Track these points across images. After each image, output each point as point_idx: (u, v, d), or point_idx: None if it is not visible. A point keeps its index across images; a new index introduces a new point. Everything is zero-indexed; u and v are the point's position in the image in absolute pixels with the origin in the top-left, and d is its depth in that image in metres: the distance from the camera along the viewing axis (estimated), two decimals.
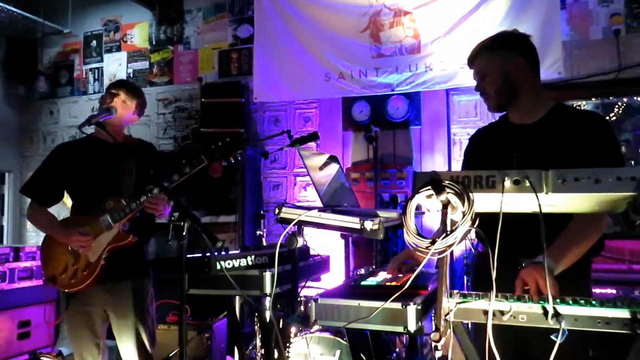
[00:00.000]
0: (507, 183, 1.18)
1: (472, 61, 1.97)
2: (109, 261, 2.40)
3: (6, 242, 5.82)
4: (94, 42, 5.93)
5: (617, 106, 4.53)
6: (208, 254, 2.05)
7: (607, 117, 4.50)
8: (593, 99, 4.37)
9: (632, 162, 4.46)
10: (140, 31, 5.69)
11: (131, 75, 5.68)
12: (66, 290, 2.44)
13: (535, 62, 1.92)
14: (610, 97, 4.31)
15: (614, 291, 3.01)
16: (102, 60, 5.88)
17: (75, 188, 2.56)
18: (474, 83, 2.01)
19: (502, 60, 1.87)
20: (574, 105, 4.44)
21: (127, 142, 2.64)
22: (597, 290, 3.03)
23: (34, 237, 5.95)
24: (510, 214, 1.20)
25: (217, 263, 1.99)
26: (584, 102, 4.50)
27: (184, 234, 1.87)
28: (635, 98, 4.41)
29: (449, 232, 1.17)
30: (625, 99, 4.42)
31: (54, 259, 2.46)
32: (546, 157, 1.75)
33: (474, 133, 2.16)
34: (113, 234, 2.39)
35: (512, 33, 1.97)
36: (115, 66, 5.78)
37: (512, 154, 1.83)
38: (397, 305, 1.51)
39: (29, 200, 2.61)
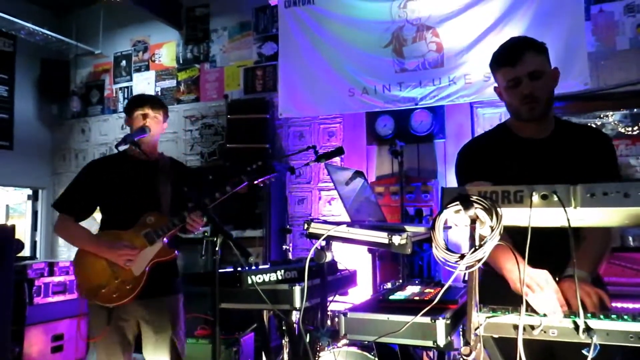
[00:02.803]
0: (535, 198, 1.19)
1: (521, 56, 1.73)
2: (149, 276, 2.44)
3: (39, 257, 5.98)
4: (124, 62, 6.12)
5: None
6: (239, 269, 2.10)
7: (637, 127, 4.43)
8: (621, 110, 4.32)
9: None
10: (168, 51, 5.85)
11: (159, 93, 5.82)
12: (109, 305, 2.41)
13: None
14: (639, 108, 4.25)
15: None
16: (131, 80, 6.05)
17: (111, 203, 2.57)
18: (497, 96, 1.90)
19: (549, 64, 1.79)
20: (601, 116, 4.40)
21: (161, 160, 2.71)
22: (629, 305, 2.97)
23: (66, 251, 6.10)
24: (523, 231, 1.21)
25: (249, 277, 2.02)
26: (611, 113, 4.44)
27: (217, 249, 1.92)
28: None
29: (477, 247, 1.19)
30: None
31: (92, 274, 2.44)
32: (563, 173, 1.70)
33: (468, 146, 1.97)
34: (157, 248, 2.45)
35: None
36: (144, 85, 5.94)
37: (527, 170, 1.76)
38: (427, 320, 1.53)
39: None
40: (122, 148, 2.50)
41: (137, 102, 2.67)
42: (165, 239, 2.47)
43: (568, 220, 1.15)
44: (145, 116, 2.60)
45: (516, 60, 1.74)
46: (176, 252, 2.56)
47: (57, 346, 4.31)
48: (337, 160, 4.49)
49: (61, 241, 6.15)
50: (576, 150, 1.76)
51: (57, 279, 4.38)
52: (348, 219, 1.99)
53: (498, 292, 1.50)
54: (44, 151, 6.32)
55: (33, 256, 5.97)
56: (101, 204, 2.61)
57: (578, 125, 1.94)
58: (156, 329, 2.50)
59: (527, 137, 1.83)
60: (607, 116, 4.45)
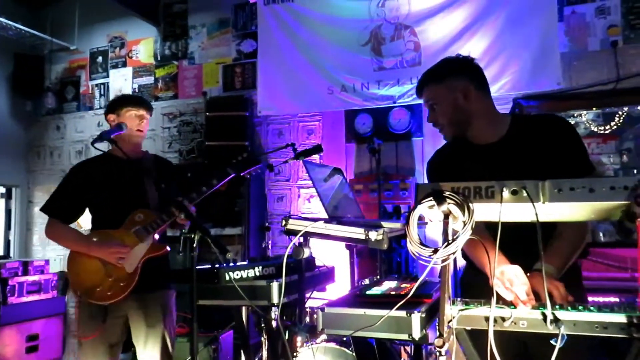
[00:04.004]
0: (506, 193, 1.22)
1: (420, 92, 1.95)
2: (141, 272, 2.48)
3: (13, 256, 5.87)
4: (100, 58, 6.03)
5: (617, 115, 4.58)
6: (217, 265, 2.10)
7: (608, 126, 4.56)
8: (594, 109, 4.42)
9: (635, 171, 4.50)
10: (145, 47, 5.79)
11: (136, 90, 5.76)
12: (104, 303, 2.45)
13: (484, 83, 1.89)
14: (610, 107, 4.36)
15: (616, 299, 3.03)
16: (107, 76, 5.97)
17: (98, 203, 2.61)
18: None
19: (449, 90, 1.85)
20: (575, 115, 4.50)
21: (144, 157, 2.74)
22: (599, 299, 3.07)
23: (40, 251, 6.00)
24: (510, 226, 1.24)
25: (226, 274, 2.03)
26: (584, 112, 4.55)
27: (194, 245, 1.92)
28: (638, 107, 4.46)
29: (450, 241, 1.22)
30: (625, 108, 4.47)
31: (86, 273, 2.48)
32: (522, 170, 1.71)
33: (434, 157, 2.07)
34: (148, 245, 2.49)
35: (456, 59, 1.95)
36: (121, 81, 5.87)
37: (487, 174, 1.80)
38: (402, 314, 1.56)
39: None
40: (98, 145, 2.48)
41: (134, 101, 2.71)
42: (156, 235, 2.50)
43: (536, 214, 1.19)
44: (141, 118, 2.67)
45: (419, 95, 1.98)
46: (167, 247, 2.59)
47: (32, 346, 4.24)
48: (316, 157, 4.51)
49: (36, 240, 6.05)
50: (535, 144, 1.78)
51: (31, 278, 4.32)
52: (326, 216, 2.01)
53: (480, 287, 1.54)
54: (17, 148, 6.19)
55: (7, 255, 5.86)
56: (90, 204, 2.65)
57: (536, 118, 1.99)
58: (147, 322, 2.54)
59: (479, 143, 1.90)
60: (580, 115, 4.57)
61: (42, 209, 2.66)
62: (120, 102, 2.71)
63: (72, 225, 2.68)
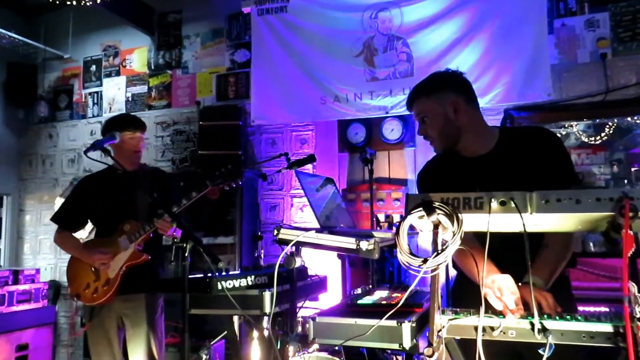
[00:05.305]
0: (494, 204, 1.24)
1: (410, 106, 1.99)
2: (126, 276, 2.73)
3: (3, 265, 5.82)
4: (94, 67, 6.03)
5: (607, 126, 4.64)
6: (209, 275, 2.10)
7: (599, 137, 4.61)
8: (585, 120, 4.48)
9: (625, 181, 4.56)
10: (139, 56, 5.80)
11: (130, 99, 5.77)
12: (90, 304, 2.76)
13: (472, 97, 1.93)
14: (600, 118, 4.41)
15: (607, 309, 3.05)
16: (101, 85, 5.97)
17: (97, 215, 2.91)
18: None
19: (438, 103, 1.89)
20: (565, 126, 4.55)
21: (140, 171, 2.94)
22: (590, 309, 3.08)
23: (31, 259, 5.95)
24: (491, 238, 1.26)
25: (218, 283, 2.03)
26: (575, 123, 4.61)
27: (186, 254, 1.93)
28: (627, 119, 4.52)
29: (439, 251, 1.23)
30: (615, 120, 4.53)
31: (78, 277, 2.81)
32: (511, 182, 1.69)
33: (424, 170, 2.10)
34: (129, 253, 2.73)
35: (445, 73, 1.99)
36: (114, 90, 5.87)
37: (476, 186, 1.82)
38: (393, 323, 1.57)
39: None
40: (90, 154, 2.52)
41: (131, 125, 2.88)
42: (138, 245, 2.73)
43: (524, 225, 1.21)
44: (138, 140, 2.88)
45: (410, 108, 2.01)
46: (148, 256, 2.78)
47: (21, 356, 4.20)
48: (309, 167, 4.52)
49: (26, 249, 6.01)
50: (523, 157, 1.81)
51: (22, 287, 4.28)
52: (318, 226, 2.01)
53: (470, 297, 1.56)
54: (9, 156, 6.16)
55: None
56: (90, 216, 2.96)
57: (524, 130, 2.02)
58: (132, 323, 2.78)
59: (469, 156, 1.93)
60: (571, 126, 4.62)
61: (52, 219, 3.01)
62: (117, 125, 2.85)
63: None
